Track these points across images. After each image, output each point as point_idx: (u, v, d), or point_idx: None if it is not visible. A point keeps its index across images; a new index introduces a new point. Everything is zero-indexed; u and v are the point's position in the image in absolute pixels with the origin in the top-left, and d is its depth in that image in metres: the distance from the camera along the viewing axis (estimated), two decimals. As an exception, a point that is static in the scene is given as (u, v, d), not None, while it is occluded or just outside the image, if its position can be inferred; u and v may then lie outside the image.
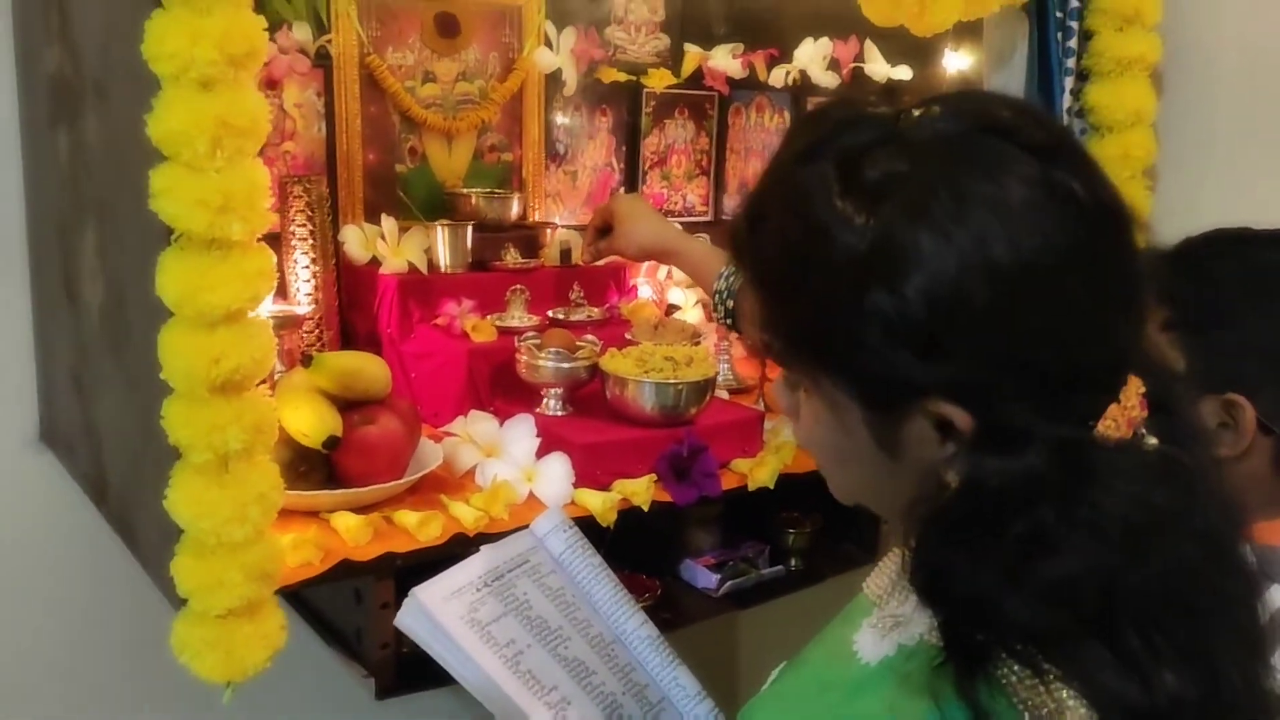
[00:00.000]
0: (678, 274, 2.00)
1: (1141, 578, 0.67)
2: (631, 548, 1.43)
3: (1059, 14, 1.59)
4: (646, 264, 1.95)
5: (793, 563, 1.61)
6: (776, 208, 0.74)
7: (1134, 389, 0.71)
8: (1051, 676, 0.66)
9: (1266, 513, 0.99)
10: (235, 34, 0.94)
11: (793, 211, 0.72)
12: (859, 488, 0.81)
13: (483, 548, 1.16)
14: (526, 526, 1.23)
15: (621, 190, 1.97)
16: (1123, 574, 0.67)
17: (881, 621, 0.78)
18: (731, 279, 1.48)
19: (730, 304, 1.48)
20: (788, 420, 0.84)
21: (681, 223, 2.05)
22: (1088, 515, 0.67)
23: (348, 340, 1.63)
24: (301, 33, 1.61)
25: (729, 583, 1.53)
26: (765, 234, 0.74)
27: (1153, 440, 0.71)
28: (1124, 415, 0.70)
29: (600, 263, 1.76)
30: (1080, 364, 0.69)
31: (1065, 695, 0.66)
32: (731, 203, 2.12)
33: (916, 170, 0.68)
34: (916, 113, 0.71)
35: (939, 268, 0.66)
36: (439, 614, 1.09)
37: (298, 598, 1.35)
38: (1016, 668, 0.67)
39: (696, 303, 1.98)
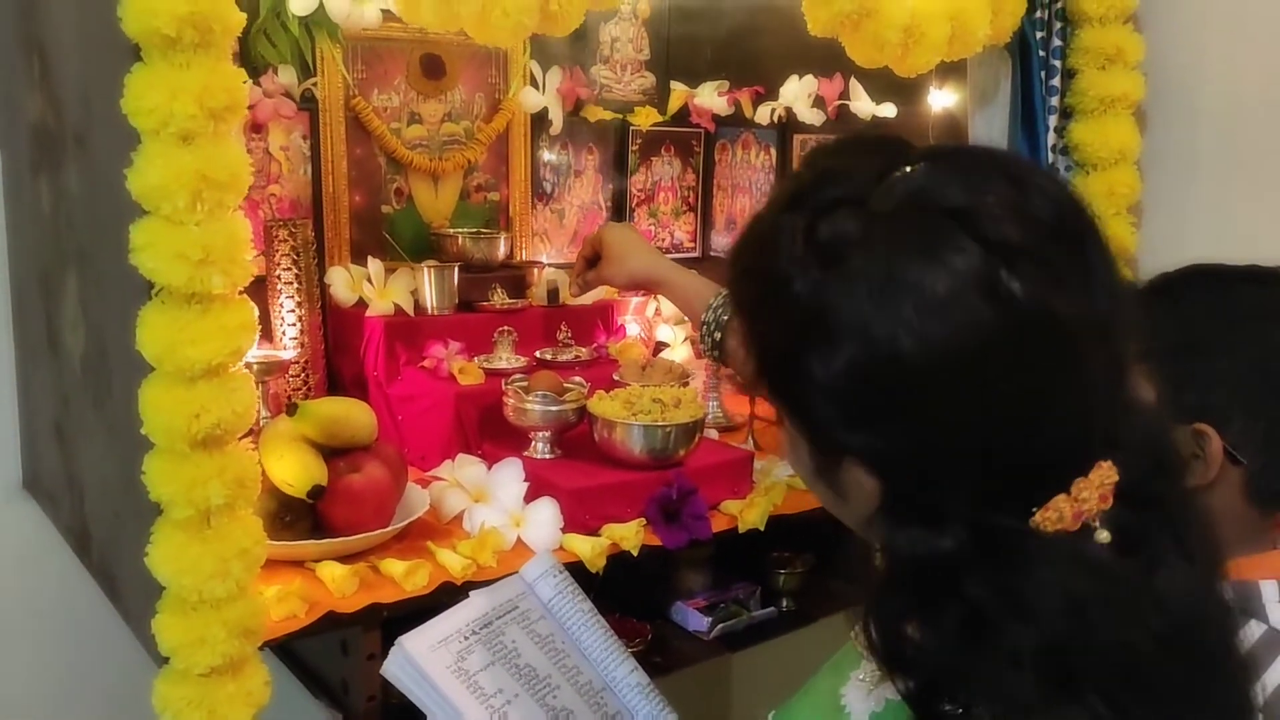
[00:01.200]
0: (666, 310, 2.01)
1: (1092, 654, 0.66)
2: (622, 591, 1.42)
3: (1042, 53, 1.60)
4: (635, 301, 1.95)
5: (784, 603, 1.60)
6: (753, 246, 0.76)
7: (1097, 480, 0.69)
8: None
9: (1244, 547, 0.99)
10: (215, 87, 0.93)
11: (763, 254, 0.74)
12: (835, 511, 0.82)
13: (472, 594, 1.15)
14: (513, 574, 1.22)
15: (611, 221, 1.97)
16: (1073, 649, 0.66)
17: (870, 675, 0.77)
18: (719, 310, 1.46)
19: (717, 335, 1.46)
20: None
21: (669, 259, 2.05)
22: (1018, 599, 0.67)
23: (334, 384, 1.62)
24: (287, 76, 1.61)
25: (720, 625, 1.52)
26: (743, 267, 0.77)
27: (1104, 534, 0.70)
28: (1071, 508, 0.69)
29: (588, 298, 1.76)
30: (1007, 457, 0.68)
31: None
32: (719, 239, 2.12)
33: (864, 240, 0.68)
34: (901, 172, 0.70)
35: (858, 343, 0.67)
36: (425, 663, 1.07)
37: (284, 649, 1.33)
38: None
39: (685, 340, 1.98)
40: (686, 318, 1.63)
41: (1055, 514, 0.69)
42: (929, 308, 0.65)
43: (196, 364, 0.96)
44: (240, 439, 1.03)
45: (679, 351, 1.95)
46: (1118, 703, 0.66)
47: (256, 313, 1.02)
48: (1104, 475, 0.70)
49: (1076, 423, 0.69)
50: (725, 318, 1.44)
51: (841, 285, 0.67)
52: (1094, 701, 0.66)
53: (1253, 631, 0.96)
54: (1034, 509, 0.69)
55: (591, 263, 1.63)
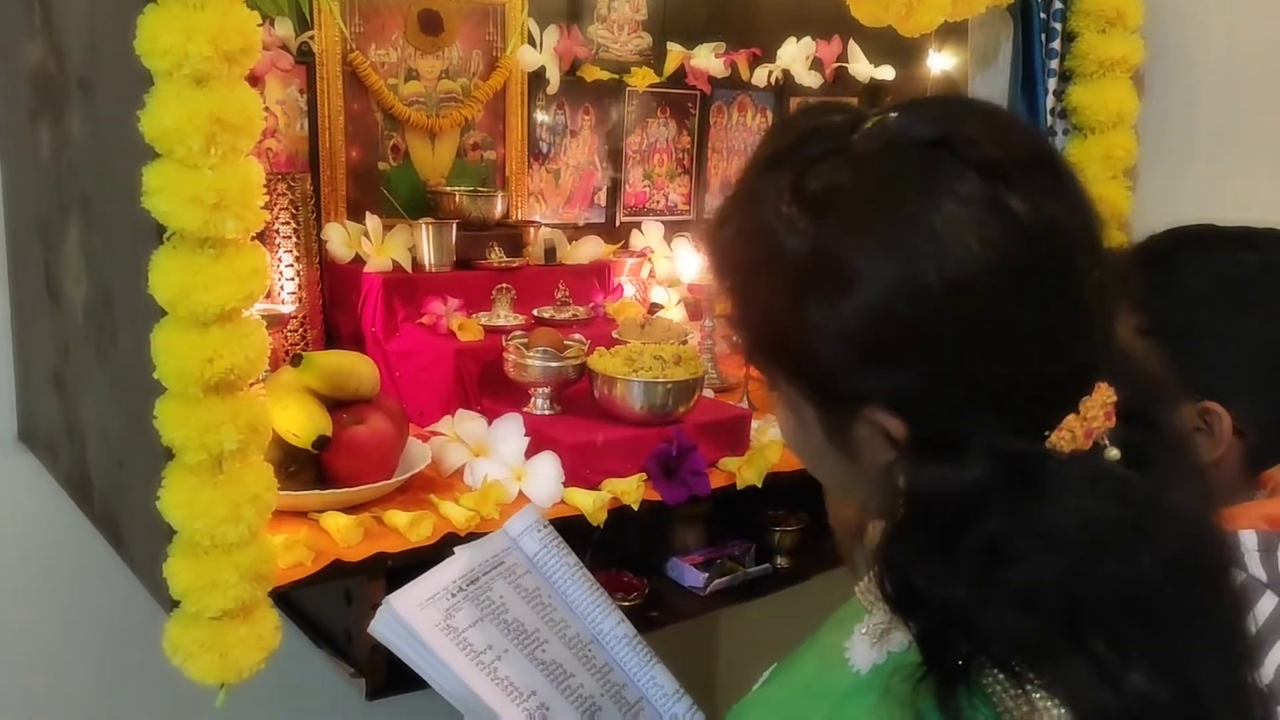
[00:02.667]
0: (660, 272, 2.01)
1: (1099, 587, 0.67)
2: (618, 546, 1.44)
3: (1043, 15, 1.61)
4: (630, 263, 1.95)
5: (779, 561, 1.61)
6: (738, 210, 0.76)
7: (1100, 399, 0.71)
8: (1032, 684, 0.66)
9: (1227, 501, 1.01)
10: (229, 29, 0.93)
11: (749, 216, 0.74)
12: (835, 485, 0.83)
13: (457, 549, 1.14)
14: (498, 529, 1.22)
15: (603, 191, 1.94)
16: (1081, 582, 0.67)
17: (873, 628, 0.77)
18: None
19: None
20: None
21: (663, 221, 2.06)
22: (1038, 526, 0.67)
23: (331, 340, 1.62)
24: (284, 29, 1.60)
25: (716, 581, 1.53)
26: (728, 233, 0.76)
27: (1114, 452, 0.71)
28: (1082, 426, 0.70)
29: (584, 260, 1.76)
30: (1022, 380, 0.69)
31: (1043, 702, 0.66)
32: (713, 201, 2.12)
33: (857, 184, 0.69)
34: (871, 122, 0.71)
35: (868, 283, 0.67)
36: (414, 622, 1.06)
37: (285, 599, 1.33)
38: (1001, 675, 0.67)
39: (679, 301, 1.98)
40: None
41: (1069, 434, 0.70)
42: (943, 235, 0.66)
43: (210, 309, 0.96)
44: (250, 385, 1.03)
45: (673, 313, 1.95)
46: (1121, 644, 0.67)
47: (274, 260, 1.01)
48: (1105, 395, 0.71)
49: (1082, 338, 0.71)
50: None
51: (844, 231, 0.68)
52: (1098, 646, 0.67)
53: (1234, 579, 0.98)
54: (1046, 432, 0.70)
55: None
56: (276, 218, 1.54)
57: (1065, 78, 1.66)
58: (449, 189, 1.76)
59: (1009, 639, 0.68)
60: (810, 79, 1.90)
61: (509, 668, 1.07)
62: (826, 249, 0.68)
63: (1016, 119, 0.75)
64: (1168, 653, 0.68)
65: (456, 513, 1.25)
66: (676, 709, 1.15)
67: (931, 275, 0.66)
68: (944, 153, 0.68)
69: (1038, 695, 0.66)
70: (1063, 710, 0.66)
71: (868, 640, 0.77)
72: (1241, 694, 0.72)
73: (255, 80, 1.59)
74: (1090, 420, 0.70)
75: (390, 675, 1.23)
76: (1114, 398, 0.72)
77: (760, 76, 1.97)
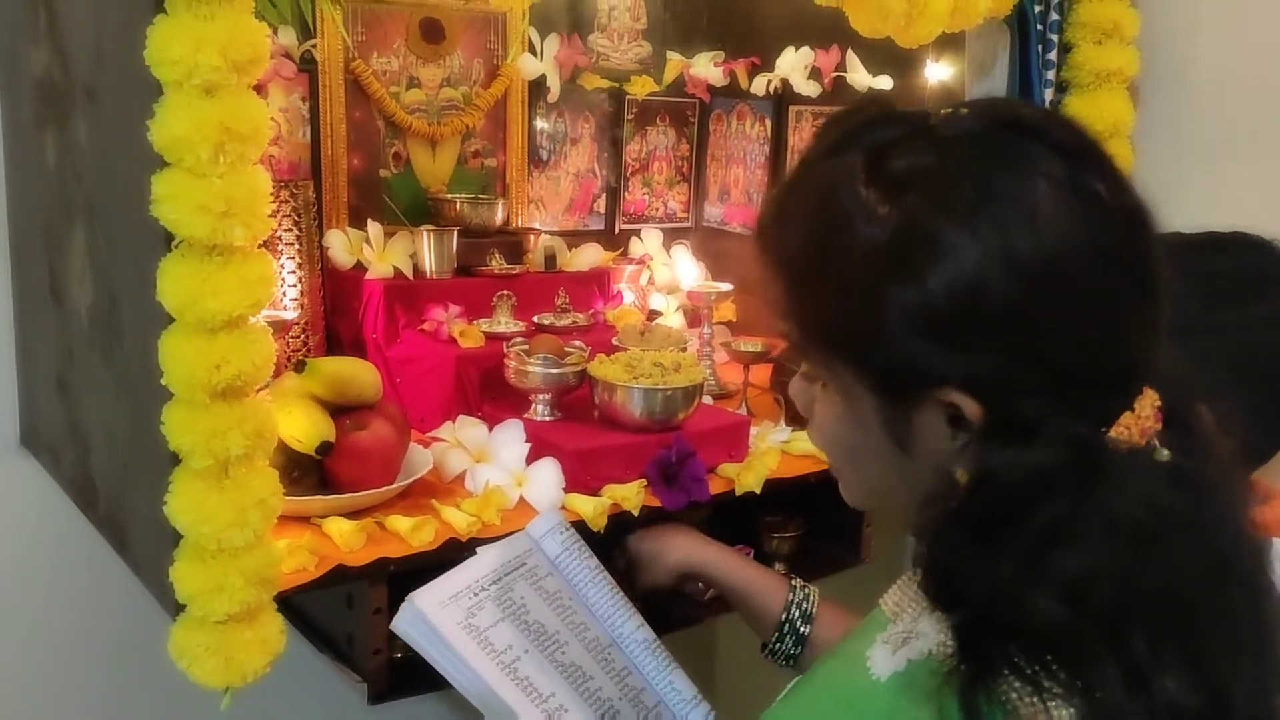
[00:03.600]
0: (659, 280, 2.02)
1: (1149, 580, 0.68)
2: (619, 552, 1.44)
3: (1039, 27, 1.62)
4: (629, 270, 1.96)
5: (777, 567, 1.62)
6: (803, 196, 0.76)
7: (1149, 401, 0.72)
8: (1051, 694, 0.66)
9: None
10: (239, 40, 0.94)
11: (819, 199, 0.74)
12: (872, 487, 0.82)
13: (479, 550, 1.16)
14: (519, 531, 1.24)
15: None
16: (1132, 574, 0.67)
17: (894, 637, 0.78)
18: (805, 605, 1.22)
19: (804, 630, 1.20)
20: (806, 420, 0.84)
21: (663, 228, 2.07)
22: (1100, 512, 0.67)
23: (333, 346, 1.63)
24: (287, 37, 1.61)
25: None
26: (791, 221, 0.76)
27: (1165, 452, 0.72)
28: (1137, 424, 0.71)
29: (585, 268, 1.78)
30: (1096, 366, 0.70)
31: (1058, 710, 0.66)
32: (712, 210, 2.13)
33: (943, 163, 0.70)
34: (945, 112, 0.73)
35: (960, 259, 0.67)
36: (436, 620, 1.09)
37: (288, 604, 1.34)
38: (1018, 684, 0.67)
39: (678, 308, 1.99)
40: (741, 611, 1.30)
41: (1126, 430, 0.71)
42: (1033, 211, 0.67)
43: (218, 315, 0.96)
44: (257, 391, 1.04)
45: (672, 320, 1.97)
46: (1158, 643, 0.67)
47: (276, 267, 1.02)
48: (1152, 397, 0.72)
49: (1152, 332, 0.72)
50: (811, 610, 1.22)
51: (933, 206, 0.68)
52: (1137, 645, 0.66)
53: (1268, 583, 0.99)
54: (1104, 429, 0.70)
55: (625, 573, 1.35)
56: (279, 225, 1.55)
57: (1061, 88, 1.67)
58: (450, 196, 1.77)
59: (1047, 631, 0.67)
60: (809, 88, 1.91)
61: (529, 668, 1.08)
62: (913, 225, 0.68)
63: (1073, 120, 0.76)
64: (1202, 656, 0.68)
65: (458, 518, 1.26)
66: (694, 714, 1.16)
67: (1027, 250, 0.67)
68: (1028, 138, 0.69)
69: (1054, 704, 0.66)
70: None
71: (889, 648, 0.77)
72: (1267, 696, 0.72)
73: (259, 88, 1.59)
74: (1144, 419, 0.71)
75: (392, 680, 1.24)
76: (1159, 401, 0.73)
77: (759, 85, 1.98)
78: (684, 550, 1.32)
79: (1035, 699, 0.66)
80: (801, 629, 1.20)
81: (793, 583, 1.25)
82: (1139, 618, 0.67)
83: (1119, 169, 0.72)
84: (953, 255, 0.67)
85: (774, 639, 1.22)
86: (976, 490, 0.70)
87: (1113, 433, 0.70)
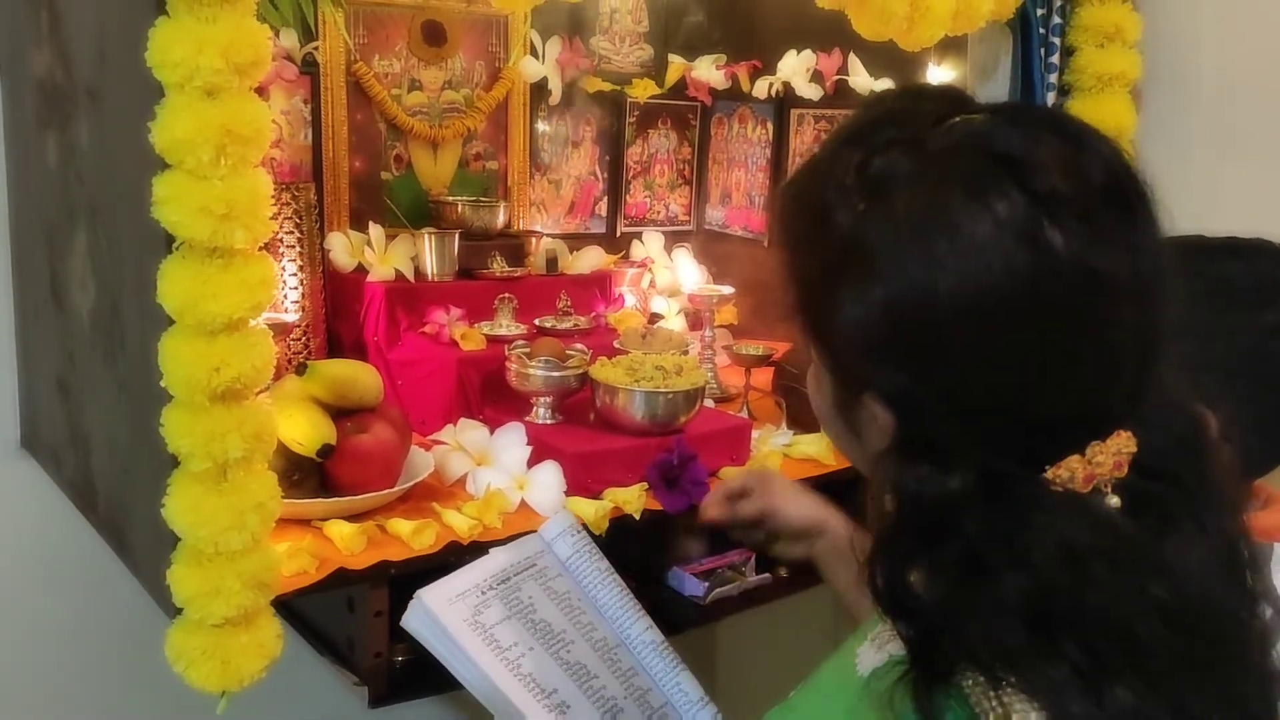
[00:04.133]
0: (660, 282, 2.02)
1: (1082, 612, 0.67)
2: (618, 556, 1.44)
3: (1042, 30, 1.62)
4: (630, 273, 1.96)
5: (779, 571, 1.61)
6: (806, 177, 0.77)
7: (1113, 446, 0.71)
8: (1009, 687, 0.67)
9: None
10: (241, 42, 0.94)
11: (813, 184, 0.75)
12: (843, 452, 0.85)
13: (491, 550, 1.17)
14: (521, 535, 1.24)
15: (604, 202, 1.96)
16: (1063, 604, 0.67)
17: (881, 633, 0.78)
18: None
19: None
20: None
21: (664, 231, 2.07)
22: (1013, 545, 0.68)
23: (334, 349, 1.63)
24: (288, 40, 1.61)
25: (716, 590, 1.54)
26: (791, 197, 0.78)
27: (1114, 499, 0.71)
28: (1083, 470, 0.70)
29: (586, 270, 1.78)
30: (1019, 411, 0.69)
31: (1019, 705, 0.66)
32: (714, 213, 2.13)
33: (913, 177, 0.70)
34: (956, 119, 0.71)
35: (892, 277, 0.68)
36: (443, 616, 1.09)
37: (288, 607, 1.34)
38: (980, 677, 0.68)
39: (679, 311, 1.99)
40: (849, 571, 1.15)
41: (1066, 473, 0.70)
42: (966, 249, 0.67)
43: (218, 318, 0.96)
44: (256, 394, 1.04)
45: (673, 323, 1.97)
46: (1101, 658, 0.66)
47: (277, 269, 1.02)
48: (1121, 444, 0.71)
49: (1099, 386, 0.70)
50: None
51: (884, 219, 0.69)
52: (1075, 653, 0.66)
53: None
54: (1046, 465, 0.70)
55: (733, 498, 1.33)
56: (280, 227, 1.55)
57: (1064, 92, 1.67)
58: (451, 199, 1.77)
59: (990, 644, 0.68)
60: (811, 91, 1.91)
61: (532, 664, 1.09)
62: (866, 231, 0.70)
63: (1111, 151, 0.71)
64: (1159, 687, 0.67)
65: (459, 521, 1.26)
66: (701, 716, 1.17)
67: (947, 286, 0.67)
68: (1003, 172, 0.67)
69: (1011, 699, 0.66)
70: (1040, 714, 0.66)
71: (875, 645, 0.78)
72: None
73: (260, 91, 1.59)
74: (1095, 465, 0.70)
75: (392, 683, 1.24)
76: (1132, 447, 0.71)
77: (761, 88, 1.98)
78: (811, 505, 1.27)
79: (994, 691, 0.67)
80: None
81: None
82: (1079, 638, 0.67)
83: (1121, 222, 0.68)
84: (886, 269, 0.69)
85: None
86: (898, 502, 0.72)
87: (1050, 473, 0.70)
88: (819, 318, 0.75)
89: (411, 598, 1.11)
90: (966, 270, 0.67)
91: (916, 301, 0.68)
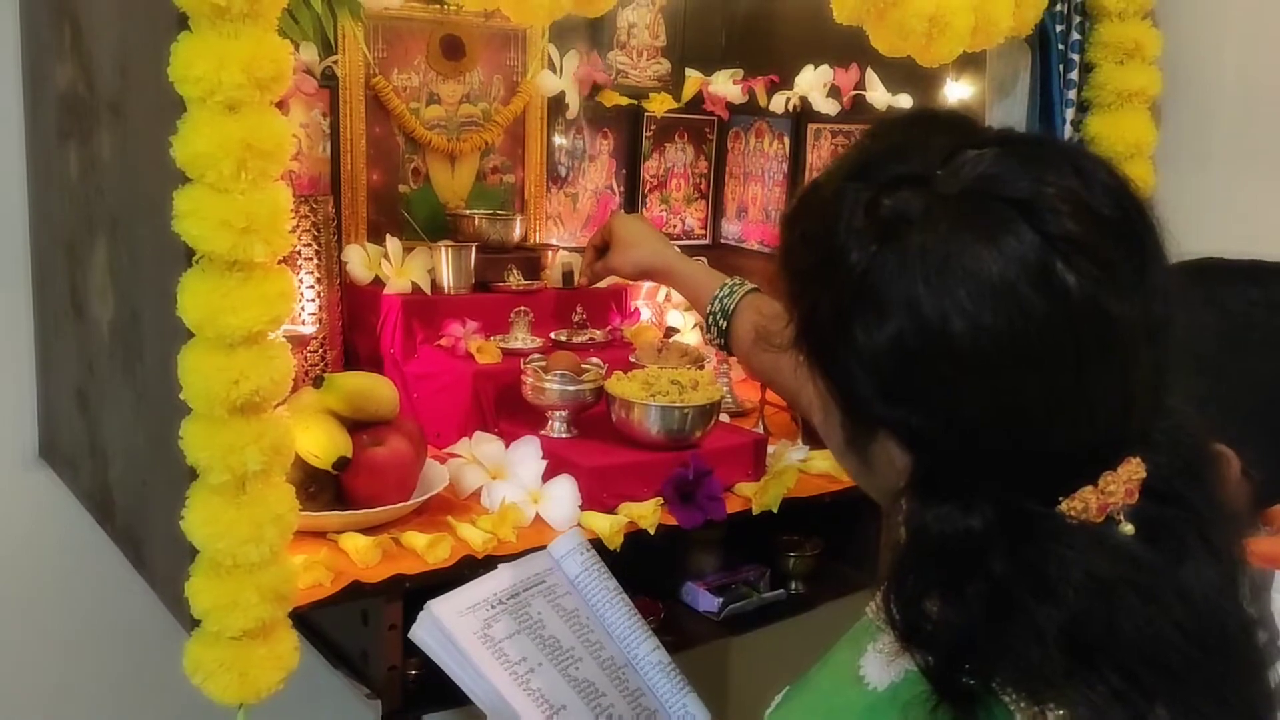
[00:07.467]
0: (676, 297, 2.02)
1: (1113, 635, 0.68)
2: (633, 570, 1.44)
3: (1061, 46, 1.62)
4: (646, 286, 1.96)
5: (794, 586, 1.61)
6: (814, 211, 0.77)
7: (1125, 474, 0.72)
8: (1050, 703, 0.67)
9: None
10: (262, 58, 0.94)
11: (822, 220, 0.75)
12: (852, 476, 0.85)
13: (500, 566, 1.17)
14: (535, 549, 1.24)
15: (621, 211, 1.99)
16: (1094, 630, 0.68)
17: (888, 645, 0.77)
18: (725, 299, 1.41)
19: (723, 324, 1.40)
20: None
21: (680, 246, 2.06)
22: (1040, 578, 0.68)
23: (350, 361, 1.63)
24: (308, 53, 1.62)
25: (730, 606, 1.54)
26: (798, 231, 0.78)
27: (1128, 527, 0.72)
28: (1097, 500, 0.71)
29: (602, 284, 1.77)
30: (1034, 448, 0.70)
31: (1055, 712, 0.67)
32: (730, 227, 2.13)
33: (925, 220, 0.70)
34: (970, 154, 0.71)
35: (906, 319, 0.69)
36: (452, 628, 1.10)
37: (302, 619, 1.34)
38: (1023, 693, 0.68)
39: (694, 325, 1.99)
40: (693, 307, 1.58)
41: (1081, 504, 0.71)
42: (980, 292, 0.67)
43: (237, 331, 0.97)
44: (275, 407, 1.04)
45: (689, 337, 1.96)
46: (1138, 681, 0.68)
47: (295, 282, 1.03)
48: (1132, 471, 0.72)
49: (1114, 420, 0.71)
50: (731, 306, 1.40)
51: (897, 261, 0.69)
52: (1114, 678, 0.67)
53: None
54: (1060, 497, 0.71)
55: (601, 252, 1.59)
56: (298, 240, 1.55)
57: (1083, 108, 1.66)
58: (468, 212, 1.77)
59: (1023, 668, 0.68)
60: (828, 106, 1.91)
61: (541, 680, 1.09)
62: (879, 273, 0.70)
63: (1119, 186, 0.71)
64: (1192, 706, 0.69)
65: (474, 535, 1.26)
66: None
67: (957, 328, 0.67)
68: (1015, 214, 0.68)
69: (1053, 716, 0.67)
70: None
71: (884, 658, 0.77)
72: None
73: (280, 105, 1.60)
74: (1107, 495, 0.71)
75: (406, 697, 1.24)
76: (1142, 474, 0.72)
77: (778, 103, 1.98)
78: (652, 250, 1.54)
79: (1035, 707, 0.68)
80: (721, 323, 1.40)
81: (724, 282, 1.42)
82: (1114, 660, 0.68)
83: (1131, 259, 0.69)
84: (900, 312, 0.69)
85: (708, 327, 1.42)
86: (913, 539, 0.72)
87: (1064, 505, 0.71)
88: (830, 358, 0.75)
89: (423, 607, 1.11)
90: (979, 313, 0.67)
91: (929, 344, 0.68)
